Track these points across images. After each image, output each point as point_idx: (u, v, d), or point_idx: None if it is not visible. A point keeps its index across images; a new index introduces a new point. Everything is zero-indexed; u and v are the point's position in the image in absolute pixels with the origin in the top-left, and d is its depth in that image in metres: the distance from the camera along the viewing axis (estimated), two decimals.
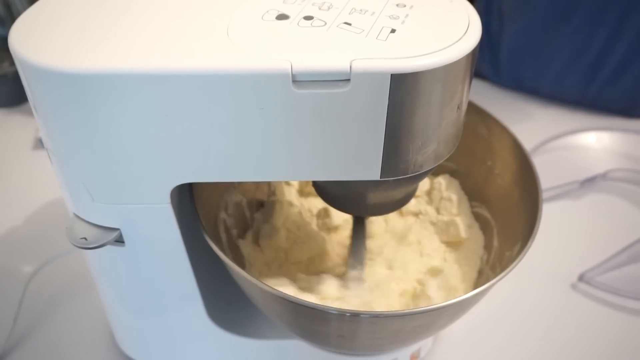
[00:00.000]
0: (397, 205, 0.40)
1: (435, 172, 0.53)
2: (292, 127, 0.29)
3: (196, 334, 0.45)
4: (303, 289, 0.44)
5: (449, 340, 0.52)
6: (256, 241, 0.50)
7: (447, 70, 0.28)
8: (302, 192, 0.54)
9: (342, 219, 0.50)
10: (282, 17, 0.30)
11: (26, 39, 0.29)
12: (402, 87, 0.27)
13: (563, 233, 0.62)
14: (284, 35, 0.29)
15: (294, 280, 0.45)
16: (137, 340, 0.47)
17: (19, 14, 0.32)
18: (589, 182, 0.68)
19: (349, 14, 0.30)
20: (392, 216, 0.52)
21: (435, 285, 0.45)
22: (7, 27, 0.28)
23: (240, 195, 0.51)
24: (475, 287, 0.46)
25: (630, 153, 0.75)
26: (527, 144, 0.47)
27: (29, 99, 0.31)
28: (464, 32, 0.29)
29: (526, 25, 0.77)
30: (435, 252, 0.50)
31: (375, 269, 0.48)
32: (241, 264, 0.48)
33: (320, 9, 0.31)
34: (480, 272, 0.47)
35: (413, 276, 0.47)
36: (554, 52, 0.76)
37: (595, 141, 0.77)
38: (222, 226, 0.47)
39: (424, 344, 0.48)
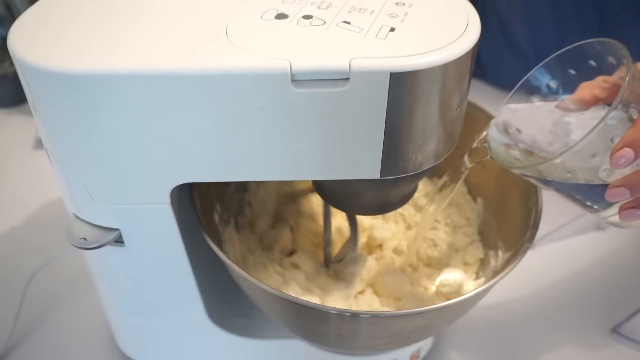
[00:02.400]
0: (397, 204, 0.40)
1: (437, 174, 0.53)
2: (292, 126, 0.29)
3: (196, 334, 0.45)
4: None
5: (449, 340, 0.52)
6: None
7: (446, 68, 0.28)
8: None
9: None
10: (281, 16, 0.30)
11: (25, 39, 0.29)
12: (402, 85, 0.27)
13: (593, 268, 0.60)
14: (283, 34, 0.29)
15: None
16: (137, 340, 0.47)
17: (19, 14, 0.32)
18: None
19: (348, 12, 0.30)
20: None
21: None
22: (7, 27, 0.28)
23: (241, 195, 0.51)
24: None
25: None
26: None
27: (28, 100, 0.31)
28: (463, 30, 0.29)
29: (528, 27, 0.76)
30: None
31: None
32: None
33: (319, 8, 0.31)
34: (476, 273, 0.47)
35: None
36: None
37: None
38: (222, 226, 0.47)
39: (424, 344, 0.48)
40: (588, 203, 0.33)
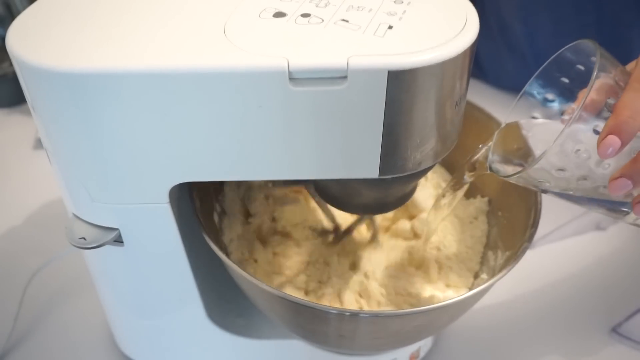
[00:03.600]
0: (397, 203, 0.39)
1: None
2: (290, 125, 0.29)
3: (195, 334, 0.45)
4: None
5: (449, 340, 0.52)
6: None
7: (444, 66, 0.27)
8: None
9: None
10: (279, 14, 0.30)
11: (24, 39, 0.29)
12: (400, 83, 0.27)
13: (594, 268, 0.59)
14: (281, 32, 0.29)
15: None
16: (137, 341, 0.47)
17: (19, 14, 0.32)
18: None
19: (346, 10, 0.30)
20: None
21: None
22: (7, 27, 0.28)
23: (241, 194, 0.51)
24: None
25: None
26: None
27: (27, 99, 0.31)
28: (461, 28, 0.29)
29: (527, 28, 0.76)
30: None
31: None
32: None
33: (317, 6, 0.31)
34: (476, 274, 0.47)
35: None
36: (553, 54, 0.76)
37: None
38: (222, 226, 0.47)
39: (424, 344, 0.48)
40: (612, 206, 0.33)
